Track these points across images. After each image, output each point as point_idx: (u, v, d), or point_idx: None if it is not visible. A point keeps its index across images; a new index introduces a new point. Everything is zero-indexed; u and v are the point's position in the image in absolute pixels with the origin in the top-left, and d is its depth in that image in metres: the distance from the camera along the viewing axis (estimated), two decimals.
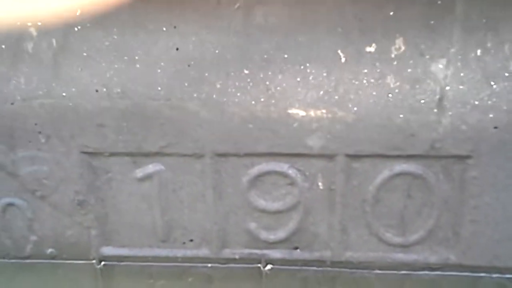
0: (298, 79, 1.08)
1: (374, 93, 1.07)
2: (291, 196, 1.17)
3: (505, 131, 1.05)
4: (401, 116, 1.06)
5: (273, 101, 1.09)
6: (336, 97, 1.07)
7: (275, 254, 1.23)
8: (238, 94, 1.09)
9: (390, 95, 1.06)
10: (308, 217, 1.18)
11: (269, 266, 1.24)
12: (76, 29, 1.10)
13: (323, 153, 1.11)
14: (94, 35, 1.10)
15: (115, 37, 1.10)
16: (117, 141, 1.14)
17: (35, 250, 1.27)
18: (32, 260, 1.28)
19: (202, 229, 1.22)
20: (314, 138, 1.10)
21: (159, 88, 1.10)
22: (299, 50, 1.07)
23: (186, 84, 1.10)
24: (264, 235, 1.21)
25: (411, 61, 1.05)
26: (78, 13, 1.10)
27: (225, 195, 1.18)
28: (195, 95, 1.09)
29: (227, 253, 1.24)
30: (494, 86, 1.04)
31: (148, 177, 1.18)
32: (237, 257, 1.24)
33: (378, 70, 1.06)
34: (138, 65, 1.10)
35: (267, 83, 1.09)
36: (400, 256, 1.19)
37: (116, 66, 1.11)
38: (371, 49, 1.06)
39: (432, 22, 1.04)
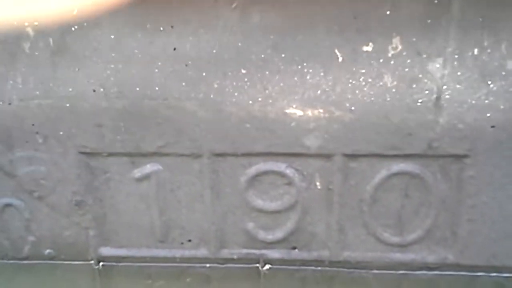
0: (296, 78, 1.08)
1: (371, 92, 1.07)
2: (288, 196, 1.17)
3: (502, 130, 1.05)
4: (398, 115, 1.07)
5: (270, 101, 1.09)
6: (334, 96, 1.08)
7: (273, 254, 1.23)
8: (236, 93, 1.09)
9: (387, 94, 1.06)
10: (306, 217, 1.18)
11: (267, 266, 1.24)
12: (73, 29, 1.10)
13: (321, 152, 1.11)
14: (91, 35, 1.11)
15: (112, 37, 1.10)
16: (114, 141, 1.14)
17: (33, 251, 1.26)
18: (30, 261, 1.28)
19: (200, 229, 1.22)
20: (312, 138, 1.10)
21: (157, 88, 1.10)
22: (296, 49, 1.07)
23: (183, 84, 1.10)
24: (262, 235, 1.21)
25: (408, 61, 1.05)
26: (75, 13, 1.10)
27: (223, 195, 1.18)
28: (192, 94, 1.10)
29: (225, 253, 1.24)
30: (491, 85, 1.04)
31: (146, 177, 1.18)
32: (235, 257, 1.24)
33: (375, 70, 1.06)
34: (135, 65, 1.10)
35: (265, 82, 1.09)
36: (398, 255, 1.19)
37: (113, 66, 1.11)
38: (368, 48, 1.06)
39: (429, 21, 1.04)
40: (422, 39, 1.05)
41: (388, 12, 1.05)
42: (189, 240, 1.23)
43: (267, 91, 1.09)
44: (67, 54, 1.11)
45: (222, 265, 1.25)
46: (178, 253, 1.25)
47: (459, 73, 1.04)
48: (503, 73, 1.04)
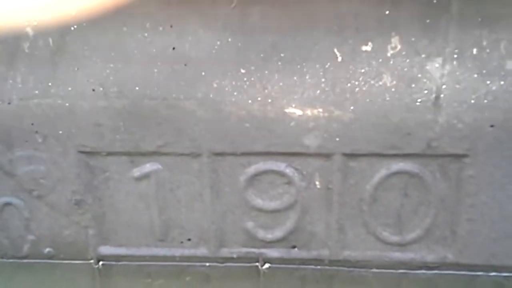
0: (295, 78, 1.08)
1: (370, 92, 1.07)
2: (288, 195, 1.17)
3: (501, 129, 1.05)
4: (397, 115, 1.07)
5: (269, 100, 1.09)
6: (333, 96, 1.08)
7: (273, 253, 1.23)
8: (235, 93, 1.09)
9: (386, 94, 1.06)
10: (305, 216, 1.18)
11: (267, 265, 1.24)
12: (72, 28, 1.10)
13: (320, 152, 1.11)
14: (91, 35, 1.11)
15: (112, 36, 1.10)
16: (114, 141, 1.14)
17: (32, 250, 1.27)
18: (30, 260, 1.28)
19: (199, 228, 1.22)
20: (311, 137, 1.10)
21: (156, 88, 1.10)
22: (296, 49, 1.07)
23: (182, 84, 1.10)
24: (261, 234, 1.21)
25: (407, 60, 1.05)
26: (74, 13, 1.10)
27: (223, 194, 1.18)
28: (191, 94, 1.10)
29: (225, 252, 1.24)
30: (490, 85, 1.04)
31: (145, 177, 1.18)
32: (235, 256, 1.24)
33: (375, 69, 1.06)
34: (134, 65, 1.10)
35: (264, 82, 1.09)
36: (397, 255, 1.19)
37: (112, 65, 1.11)
38: (367, 48, 1.06)
39: (428, 21, 1.04)
40: (421, 39, 1.05)
41: (387, 12, 1.05)
42: (189, 239, 1.23)
43: (266, 91, 1.09)
44: (67, 54, 1.11)
45: (221, 264, 1.25)
46: (177, 252, 1.25)
47: (458, 73, 1.04)
48: (502, 72, 1.04)
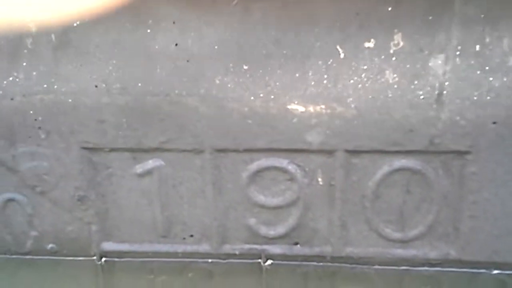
0: (297, 74, 1.08)
1: (373, 88, 1.07)
2: (290, 191, 1.17)
3: (504, 126, 1.05)
4: (400, 111, 1.06)
5: (272, 97, 1.09)
6: (335, 92, 1.08)
7: (275, 249, 1.23)
8: (237, 89, 1.09)
9: (389, 90, 1.06)
10: (307, 213, 1.18)
11: (269, 262, 1.24)
12: (75, 24, 1.11)
13: (323, 148, 1.11)
14: (94, 31, 1.11)
15: (114, 32, 1.10)
16: (117, 137, 1.14)
17: (35, 246, 1.27)
18: (33, 256, 1.29)
19: (202, 225, 1.22)
20: (314, 134, 1.10)
21: (158, 84, 1.10)
22: (298, 46, 1.07)
23: (185, 80, 1.10)
24: (264, 230, 1.21)
25: (410, 57, 1.05)
26: (77, 9, 1.10)
27: (225, 191, 1.18)
28: (194, 90, 1.10)
29: (227, 248, 1.24)
30: (493, 82, 1.04)
31: (148, 173, 1.18)
32: (237, 252, 1.24)
33: (377, 66, 1.06)
34: (137, 61, 1.10)
35: (266, 78, 1.09)
36: (400, 251, 1.19)
37: (115, 61, 1.11)
38: (370, 44, 1.06)
39: (430, 17, 1.04)
40: (424, 36, 1.04)
41: (390, 9, 1.04)
42: (191, 236, 1.24)
43: (268, 87, 1.09)
44: (69, 50, 1.11)
45: (224, 260, 1.25)
46: (180, 248, 1.25)
47: (461, 70, 1.04)
48: (505, 69, 1.03)
